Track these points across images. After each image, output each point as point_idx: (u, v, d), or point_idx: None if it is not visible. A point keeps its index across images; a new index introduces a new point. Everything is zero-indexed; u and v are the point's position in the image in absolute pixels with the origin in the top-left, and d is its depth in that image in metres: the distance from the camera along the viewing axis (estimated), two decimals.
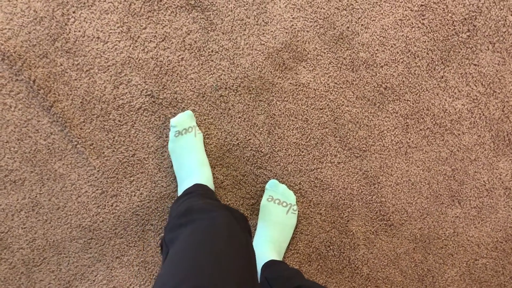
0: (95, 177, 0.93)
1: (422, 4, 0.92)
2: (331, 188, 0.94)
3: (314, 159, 0.94)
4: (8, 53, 0.91)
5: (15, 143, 0.92)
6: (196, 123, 0.93)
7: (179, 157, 0.90)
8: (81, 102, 0.92)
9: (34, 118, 0.92)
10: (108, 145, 0.93)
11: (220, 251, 0.53)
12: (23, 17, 0.91)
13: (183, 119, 0.91)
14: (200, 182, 0.85)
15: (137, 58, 0.92)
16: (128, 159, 0.93)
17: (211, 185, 0.88)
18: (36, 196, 0.93)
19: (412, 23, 0.92)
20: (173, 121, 0.90)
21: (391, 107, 0.93)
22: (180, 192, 0.88)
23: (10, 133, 0.92)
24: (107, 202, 0.94)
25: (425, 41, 0.93)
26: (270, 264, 0.82)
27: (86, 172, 0.93)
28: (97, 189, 0.93)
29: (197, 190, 0.79)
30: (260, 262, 0.86)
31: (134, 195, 0.93)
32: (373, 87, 0.93)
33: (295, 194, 0.93)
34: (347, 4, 0.92)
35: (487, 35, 0.92)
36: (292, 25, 0.92)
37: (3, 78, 0.91)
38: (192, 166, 0.88)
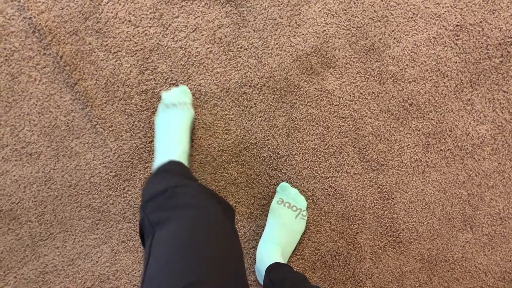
0: (111, 159, 0.94)
1: (458, 24, 0.91)
2: (344, 198, 0.93)
3: (331, 167, 0.94)
4: (40, 26, 0.91)
5: (36, 116, 0.93)
6: (218, 120, 0.93)
7: (161, 129, 0.87)
8: (105, 83, 0.93)
9: (57, 93, 0.93)
10: (127, 129, 0.93)
11: (213, 243, 0.52)
12: None
13: (174, 94, 0.88)
14: (174, 157, 0.81)
15: (166, 46, 0.92)
16: (145, 145, 0.93)
17: (185, 162, 0.82)
18: (50, 171, 0.94)
19: (445, 42, 0.92)
20: (163, 94, 0.89)
21: (414, 124, 0.93)
22: (154, 165, 0.82)
23: (32, 105, 0.93)
24: (119, 186, 0.94)
25: (456, 61, 0.92)
26: (275, 267, 0.82)
27: (102, 153, 0.94)
28: (111, 171, 0.94)
29: (174, 168, 0.75)
30: (264, 263, 0.86)
31: None
32: (398, 102, 0.93)
33: (307, 200, 0.93)
34: (382, 15, 0.92)
35: None
36: (324, 30, 0.92)
37: (31, 50, 0.92)
38: (169, 142, 0.84)
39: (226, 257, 0.52)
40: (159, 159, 0.82)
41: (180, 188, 0.61)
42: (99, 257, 0.93)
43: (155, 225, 0.55)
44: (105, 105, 0.92)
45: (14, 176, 0.92)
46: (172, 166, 0.77)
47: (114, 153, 0.93)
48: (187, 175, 0.73)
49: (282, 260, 0.85)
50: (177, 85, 0.92)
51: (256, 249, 0.92)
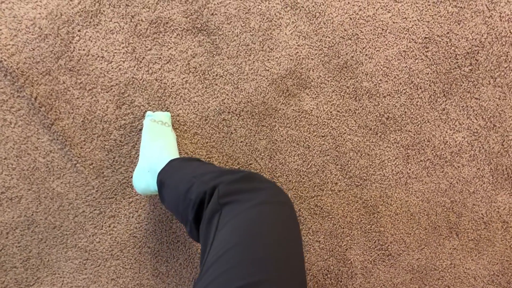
0: (93, 197, 0.93)
1: (426, 36, 0.94)
2: (330, 216, 0.94)
3: (315, 186, 0.94)
4: (11, 69, 0.90)
5: (14, 160, 0.92)
6: (200, 148, 0.93)
7: (153, 136, 0.85)
8: (82, 121, 0.92)
9: (34, 135, 0.92)
10: (108, 165, 0.93)
11: (281, 240, 0.50)
12: (28, 34, 0.90)
13: (160, 114, 0.89)
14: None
15: (141, 79, 0.92)
16: (127, 180, 0.93)
17: None
18: (32, 214, 0.92)
19: (416, 55, 0.94)
20: (149, 112, 0.89)
21: (392, 137, 0.94)
22: (144, 166, 0.80)
23: (9, 149, 0.91)
24: (105, 223, 0.93)
25: (428, 73, 0.94)
26: None
27: (84, 192, 0.93)
28: (95, 209, 0.93)
29: (200, 159, 0.74)
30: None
31: (132, 217, 0.93)
32: (375, 117, 0.94)
33: None
34: (352, 33, 0.94)
35: (488, 70, 0.94)
36: (297, 52, 0.94)
37: (4, 94, 0.91)
38: (167, 145, 0.83)
39: (291, 258, 0.49)
40: (159, 156, 0.79)
41: (256, 174, 0.58)
42: None
43: (224, 204, 0.53)
44: (84, 143, 0.91)
45: None
46: (195, 159, 0.75)
47: (96, 191, 0.92)
48: None
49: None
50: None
51: None
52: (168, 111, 0.92)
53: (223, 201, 0.54)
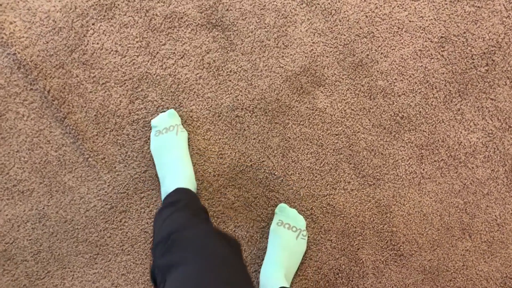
0: (105, 192, 0.93)
1: (442, 36, 0.93)
2: (342, 215, 0.94)
3: (327, 185, 0.94)
4: (25, 61, 0.90)
5: (26, 153, 0.91)
6: (212, 144, 0.93)
7: (160, 156, 0.87)
8: (95, 115, 0.92)
9: (46, 128, 0.91)
10: (120, 160, 0.92)
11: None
12: (42, 27, 0.90)
13: (164, 119, 0.88)
14: (181, 181, 0.82)
15: (154, 74, 0.92)
16: (139, 175, 0.93)
17: (192, 183, 0.84)
18: (43, 208, 0.92)
19: (432, 54, 0.93)
20: (153, 121, 0.88)
21: (406, 137, 0.94)
22: (163, 194, 0.84)
23: (21, 142, 0.91)
24: (116, 218, 0.93)
25: (444, 73, 0.93)
26: None
27: (96, 186, 0.92)
28: (106, 204, 0.93)
29: (181, 199, 0.75)
30: (269, 287, 0.85)
31: (144, 212, 0.93)
32: (389, 116, 0.94)
33: (306, 219, 0.93)
34: (368, 31, 0.93)
35: (505, 70, 0.93)
36: (312, 49, 0.93)
37: (17, 86, 0.90)
38: (172, 165, 0.85)
39: None
40: (167, 186, 0.82)
41: (186, 231, 0.60)
42: None
43: (165, 272, 0.55)
44: (96, 137, 0.91)
45: (7, 215, 0.90)
46: (179, 196, 0.77)
47: (108, 185, 0.92)
48: (194, 206, 0.73)
49: (286, 283, 0.85)
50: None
51: (258, 273, 0.91)
52: (181, 106, 0.91)
53: (164, 270, 0.56)
